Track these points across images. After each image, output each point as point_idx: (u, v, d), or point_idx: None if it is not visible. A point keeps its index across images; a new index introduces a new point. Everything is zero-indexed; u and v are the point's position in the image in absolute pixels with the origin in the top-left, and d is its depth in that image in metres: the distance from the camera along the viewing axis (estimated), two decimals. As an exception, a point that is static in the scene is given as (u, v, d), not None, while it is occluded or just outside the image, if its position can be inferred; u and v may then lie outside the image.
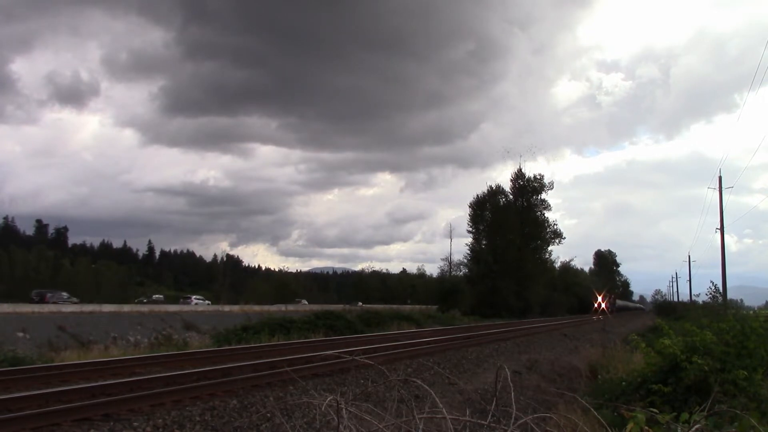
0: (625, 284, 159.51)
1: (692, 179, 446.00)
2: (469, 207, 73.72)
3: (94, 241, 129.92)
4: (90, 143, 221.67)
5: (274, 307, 49.25)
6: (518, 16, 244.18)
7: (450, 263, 77.56)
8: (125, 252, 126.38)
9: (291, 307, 48.88)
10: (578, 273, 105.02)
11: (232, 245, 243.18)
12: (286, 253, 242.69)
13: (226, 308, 49.99)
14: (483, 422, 3.50)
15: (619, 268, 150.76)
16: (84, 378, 11.46)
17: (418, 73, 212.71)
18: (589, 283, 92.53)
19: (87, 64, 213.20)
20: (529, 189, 75.71)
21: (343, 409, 3.40)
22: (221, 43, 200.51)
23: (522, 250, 70.85)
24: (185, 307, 45.38)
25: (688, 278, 77.89)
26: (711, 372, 8.15)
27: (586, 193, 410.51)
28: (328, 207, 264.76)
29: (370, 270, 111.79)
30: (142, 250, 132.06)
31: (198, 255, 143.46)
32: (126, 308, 40.78)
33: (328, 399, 3.48)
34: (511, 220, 70.97)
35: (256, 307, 49.83)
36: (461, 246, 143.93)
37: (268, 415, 8.70)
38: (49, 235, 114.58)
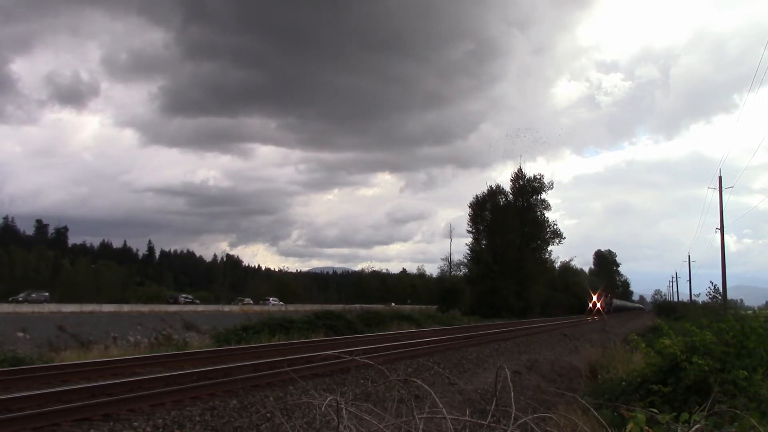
0: (625, 284, 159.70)
1: (692, 179, 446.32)
2: (469, 207, 73.89)
3: (94, 241, 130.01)
4: (90, 143, 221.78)
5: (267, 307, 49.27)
6: (517, 17, 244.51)
7: (450, 263, 77.69)
8: (125, 252, 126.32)
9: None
10: (578, 273, 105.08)
11: (232, 245, 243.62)
12: (286, 253, 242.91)
13: (226, 308, 50.01)
14: (483, 422, 3.50)
15: (619, 268, 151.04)
16: (84, 378, 11.46)
17: (417, 74, 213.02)
18: (588, 282, 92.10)
19: (87, 64, 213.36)
20: (529, 189, 75.80)
21: (343, 409, 3.40)
22: (221, 43, 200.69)
23: (522, 250, 70.91)
24: (185, 308, 45.36)
25: (688, 278, 77.99)
26: (711, 372, 8.15)
27: (585, 193, 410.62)
28: (328, 207, 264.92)
29: (370, 270, 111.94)
30: (142, 250, 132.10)
31: (198, 255, 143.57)
32: (126, 308, 40.78)
33: (328, 399, 3.48)
34: (511, 220, 71.01)
35: (256, 307, 49.86)
36: (461, 246, 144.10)
37: (268, 415, 8.70)
38: (49, 235, 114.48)
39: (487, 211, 72.85)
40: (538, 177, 76.64)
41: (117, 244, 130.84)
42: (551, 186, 77.47)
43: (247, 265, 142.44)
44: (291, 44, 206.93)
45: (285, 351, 17.44)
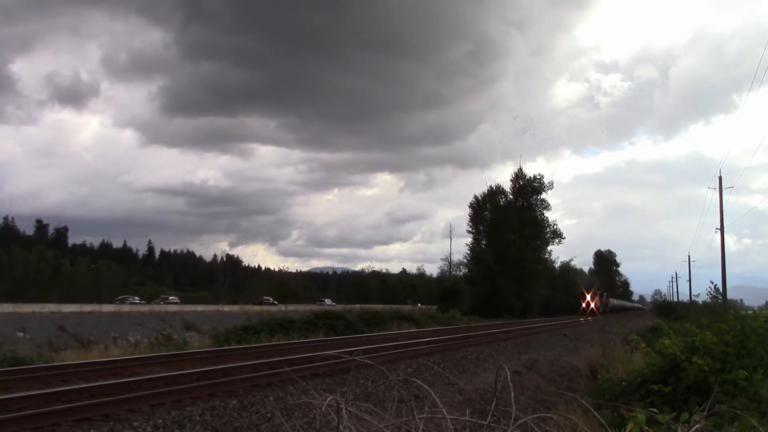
0: (625, 284, 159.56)
1: (691, 179, 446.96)
2: (469, 207, 73.80)
3: (94, 241, 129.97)
4: (90, 143, 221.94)
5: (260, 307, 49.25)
6: (516, 17, 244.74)
7: (450, 263, 77.63)
8: (125, 252, 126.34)
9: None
10: (578, 273, 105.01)
11: (232, 245, 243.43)
12: (285, 253, 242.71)
13: (226, 308, 50.00)
14: (483, 422, 3.49)
15: (618, 268, 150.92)
16: (84, 378, 11.45)
17: (417, 74, 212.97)
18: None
19: (87, 64, 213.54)
20: (528, 189, 75.72)
21: (343, 409, 3.40)
22: (221, 43, 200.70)
23: (522, 250, 70.86)
24: (185, 308, 45.35)
25: (687, 278, 77.99)
26: (711, 372, 8.15)
27: (585, 194, 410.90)
28: (327, 207, 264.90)
29: (370, 270, 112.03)
30: (142, 250, 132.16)
31: (198, 255, 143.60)
32: (126, 308, 40.81)
33: (328, 399, 3.48)
34: (511, 220, 70.96)
35: (256, 307, 49.86)
36: (461, 246, 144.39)
37: (268, 415, 8.70)
38: (49, 235, 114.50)
39: (487, 211, 72.79)
40: (538, 177, 76.65)
41: (117, 244, 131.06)
42: (551, 186, 77.45)
43: (247, 265, 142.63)
44: (291, 44, 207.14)
45: (285, 351, 17.44)
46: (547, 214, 76.71)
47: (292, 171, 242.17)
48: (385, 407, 3.94)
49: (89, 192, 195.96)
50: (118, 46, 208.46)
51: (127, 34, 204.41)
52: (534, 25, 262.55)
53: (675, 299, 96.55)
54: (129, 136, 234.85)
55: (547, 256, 78.45)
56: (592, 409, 4.15)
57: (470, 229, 72.99)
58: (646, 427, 3.55)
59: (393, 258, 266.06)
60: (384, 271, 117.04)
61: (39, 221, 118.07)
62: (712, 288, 34.04)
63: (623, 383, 10.26)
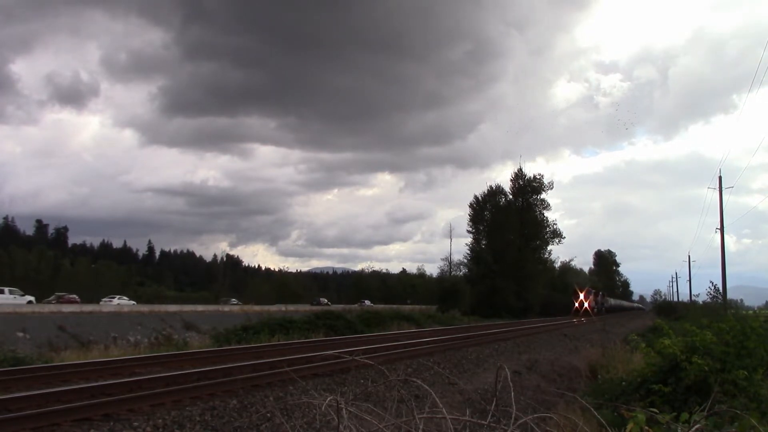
0: (625, 284, 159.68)
1: (691, 179, 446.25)
2: (469, 207, 73.76)
3: (94, 241, 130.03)
4: (90, 143, 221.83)
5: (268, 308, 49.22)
6: (515, 18, 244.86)
7: (450, 263, 77.65)
8: (125, 252, 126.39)
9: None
10: (578, 273, 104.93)
11: (232, 245, 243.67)
12: (285, 253, 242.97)
13: (226, 308, 49.99)
14: (483, 422, 3.49)
15: (618, 268, 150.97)
16: (84, 378, 11.45)
17: (416, 74, 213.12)
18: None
19: (87, 64, 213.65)
20: (528, 189, 75.64)
21: (343, 409, 3.40)
22: (220, 43, 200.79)
23: (522, 250, 70.78)
24: (185, 307, 45.30)
25: (687, 278, 78.03)
26: (711, 372, 8.15)
27: (585, 194, 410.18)
28: (327, 207, 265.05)
29: (370, 270, 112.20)
30: (142, 250, 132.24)
31: (198, 255, 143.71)
32: (126, 308, 40.81)
33: (328, 399, 3.48)
34: (511, 220, 70.89)
35: (256, 307, 49.83)
36: (461, 246, 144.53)
37: (268, 415, 8.70)
38: (49, 235, 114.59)
39: (487, 211, 72.77)
40: (538, 177, 76.52)
41: (117, 244, 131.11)
42: (551, 186, 77.33)
43: (247, 265, 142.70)
44: (291, 44, 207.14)
45: (285, 351, 17.44)
46: (547, 214, 76.67)
47: (291, 171, 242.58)
48: (385, 407, 3.94)
49: (89, 192, 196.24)
50: (118, 46, 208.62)
51: (127, 34, 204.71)
52: (534, 25, 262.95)
53: (675, 299, 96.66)
54: (129, 136, 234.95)
55: (547, 256, 78.42)
56: (592, 409, 4.14)
57: (470, 229, 73.05)
58: (646, 427, 3.55)
59: (393, 258, 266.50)
60: (384, 271, 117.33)
61: (39, 221, 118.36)
62: (712, 288, 34.03)
63: (623, 383, 10.26)
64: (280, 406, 9.25)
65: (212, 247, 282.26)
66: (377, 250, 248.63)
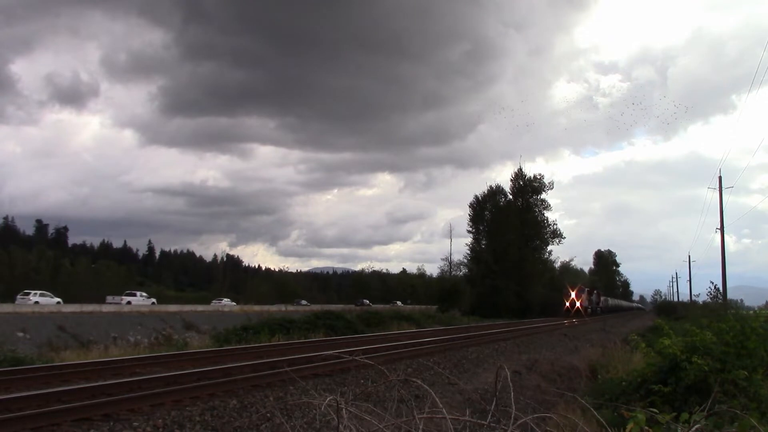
0: (625, 284, 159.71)
1: (690, 180, 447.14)
2: (469, 207, 73.78)
3: (94, 241, 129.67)
4: (90, 144, 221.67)
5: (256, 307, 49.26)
6: (514, 18, 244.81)
7: (450, 263, 77.57)
8: (125, 252, 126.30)
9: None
10: (578, 273, 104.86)
11: (232, 245, 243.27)
12: (285, 253, 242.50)
13: (226, 308, 50.02)
14: (483, 422, 3.49)
15: (618, 268, 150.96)
16: (84, 378, 11.45)
17: (415, 74, 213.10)
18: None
19: (87, 65, 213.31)
20: (528, 189, 75.64)
21: (343, 409, 3.40)
22: (220, 43, 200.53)
23: (522, 250, 70.76)
24: (185, 307, 45.32)
25: (688, 278, 77.95)
26: (711, 372, 8.15)
27: (585, 194, 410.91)
28: (327, 207, 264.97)
29: (370, 270, 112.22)
30: (142, 250, 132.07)
31: (198, 255, 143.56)
32: (126, 308, 40.82)
33: (328, 399, 3.48)
34: (511, 220, 70.85)
35: (256, 307, 49.84)
36: (461, 246, 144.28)
37: (268, 415, 8.70)
38: (49, 235, 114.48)
39: (487, 211, 72.80)
40: (538, 177, 76.53)
41: (117, 244, 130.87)
42: (551, 186, 77.34)
43: (247, 265, 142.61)
44: (290, 44, 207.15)
45: (285, 351, 17.44)
46: (547, 214, 76.64)
47: (291, 171, 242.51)
48: (385, 407, 3.94)
49: (89, 192, 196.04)
50: (118, 47, 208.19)
51: (126, 34, 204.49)
52: (532, 25, 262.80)
53: (675, 299, 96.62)
54: (129, 136, 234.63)
55: (547, 256, 78.39)
56: (591, 409, 4.14)
57: (470, 229, 73.06)
58: (646, 427, 3.54)
59: (393, 258, 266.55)
60: (384, 271, 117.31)
61: (39, 221, 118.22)
62: (712, 288, 33.96)
63: (623, 383, 10.26)
64: (280, 406, 9.25)
65: (212, 247, 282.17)
66: (377, 250, 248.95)
